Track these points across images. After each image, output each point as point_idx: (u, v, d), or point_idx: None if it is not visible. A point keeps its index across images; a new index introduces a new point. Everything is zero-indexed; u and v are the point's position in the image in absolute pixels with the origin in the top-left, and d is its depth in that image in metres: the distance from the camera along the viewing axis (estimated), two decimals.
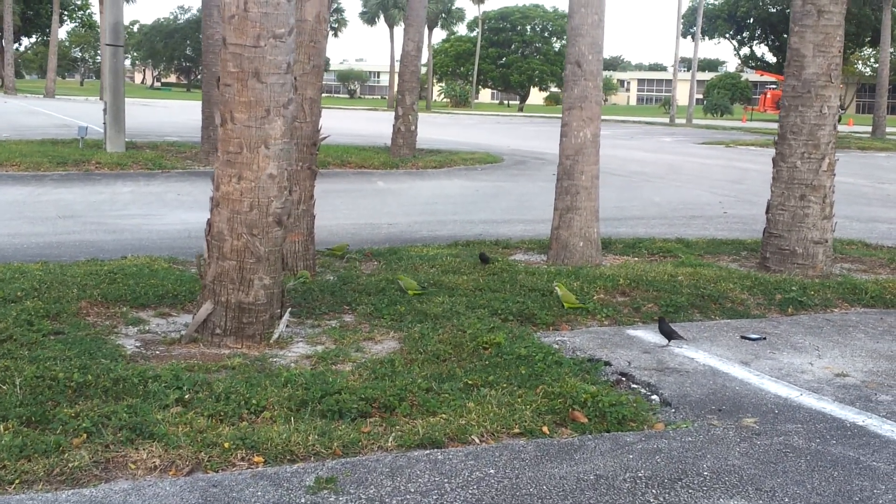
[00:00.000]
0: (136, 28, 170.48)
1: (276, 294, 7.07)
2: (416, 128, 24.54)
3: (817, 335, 7.89)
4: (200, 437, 5.02)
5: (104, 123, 22.77)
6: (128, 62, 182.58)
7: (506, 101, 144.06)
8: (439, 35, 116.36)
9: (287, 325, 7.46)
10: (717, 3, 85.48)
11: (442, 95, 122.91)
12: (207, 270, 6.97)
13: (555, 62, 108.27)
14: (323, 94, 10.24)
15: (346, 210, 16.37)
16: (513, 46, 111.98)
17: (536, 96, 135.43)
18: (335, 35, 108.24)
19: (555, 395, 5.83)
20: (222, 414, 5.37)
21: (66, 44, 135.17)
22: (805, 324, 8.29)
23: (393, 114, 25.19)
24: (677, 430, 5.55)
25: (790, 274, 10.11)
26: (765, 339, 7.71)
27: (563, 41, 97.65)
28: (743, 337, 7.74)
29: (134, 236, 12.73)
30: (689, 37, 75.71)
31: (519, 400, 5.77)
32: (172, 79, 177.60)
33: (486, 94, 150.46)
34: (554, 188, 10.94)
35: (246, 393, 5.62)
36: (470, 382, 6.06)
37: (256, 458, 4.92)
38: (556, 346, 7.21)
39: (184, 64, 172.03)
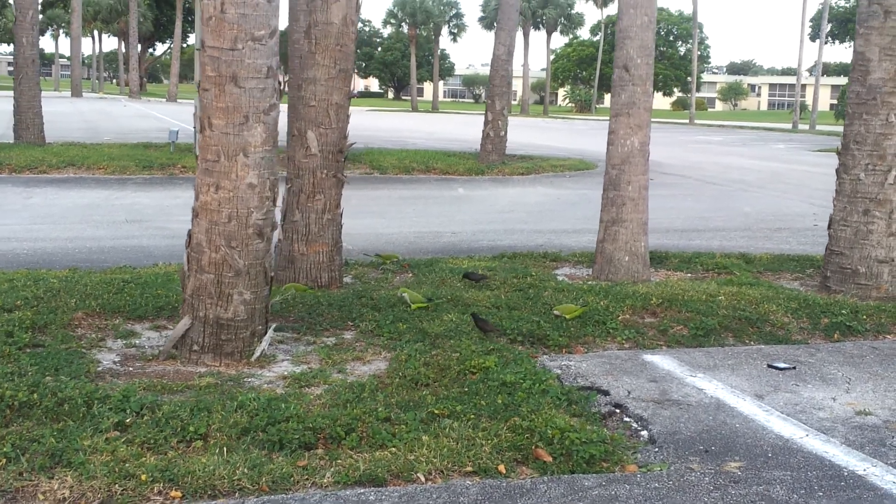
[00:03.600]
0: None
1: (259, 310, 6.75)
2: (505, 133, 24.07)
3: (855, 365, 7.20)
4: (119, 468, 4.70)
5: (194, 128, 22.91)
6: None
7: None
8: (558, 40, 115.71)
9: (281, 342, 7.17)
10: (848, 5, 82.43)
11: (566, 100, 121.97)
12: (187, 283, 6.69)
13: (679, 66, 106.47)
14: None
15: (416, 217, 16.06)
16: None
17: (663, 101, 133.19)
18: (454, 41, 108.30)
19: (522, 430, 5.35)
20: (153, 441, 5.05)
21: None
22: (846, 352, 7.59)
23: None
24: (648, 473, 5.02)
25: (850, 295, 9.36)
26: (794, 368, 7.07)
27: (689, 45, 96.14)
28: (770, 366, 7.10)
29: None
30: (817, 41, 73.34)
31: (482, 433, 5.31)
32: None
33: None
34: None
35: (188, 418, 5.30)
36: (437, 412, 5.62)
37: (174, 493, 4.58)
38: (559, 371, 6.73)
39: None
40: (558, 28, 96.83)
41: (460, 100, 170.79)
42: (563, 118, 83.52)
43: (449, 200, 18.80)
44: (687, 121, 73.04)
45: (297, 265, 9.19)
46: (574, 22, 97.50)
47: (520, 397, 5.88)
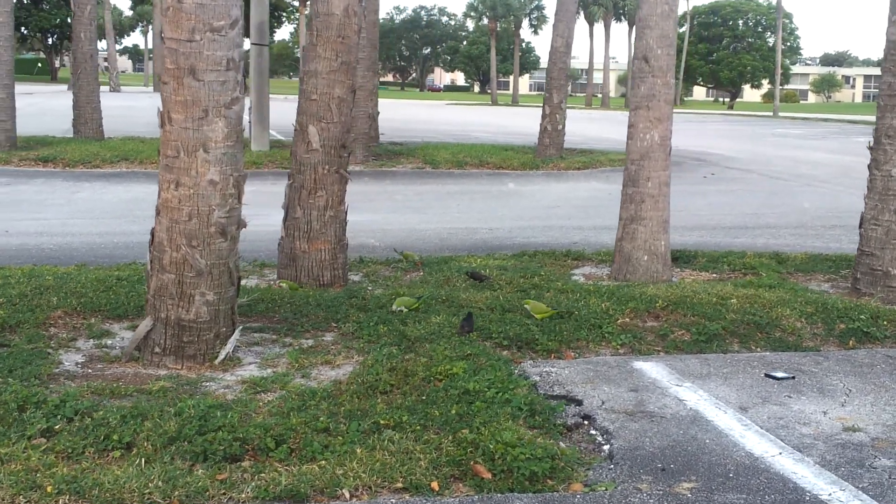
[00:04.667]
0: None
1: (223, 311, 6.52)
2: (563, 127, 23.59)
3: (861, 375, 6.72)
4: (27, 478, 4.50)
5: (249, 123, 22.92)
6: None
7: (720, 99, 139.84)
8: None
9: (257, 344, 6.97)
10: None
11: None
12: (150, 283, 6.51)
13: (768, 58, 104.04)
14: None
15: (457, 213, 15.77)
16: (724, 42, 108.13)
17: (753, 94, 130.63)
18: (535, 33, 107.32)
19: (467, 443, 5.04)
20: (71, 450, 4.85)
21: (290, 44, 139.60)
22: (856, 360, 7.10)
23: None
24: (590, 494, 4.67)
25: (878, 298, 8.82)
26: (793, 378, 6.62)
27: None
28: (767, 375, 6.67)
29: None
30: None
31: (422, 446, 5.01)
32: (389, 78, 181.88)
33: (701, 91, 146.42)
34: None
35: (116, 426, 5.09)
36: (382, 422, 5.34)
37: None
38: (537, 379, 6.40)
39: (399, 63, 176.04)
40: None
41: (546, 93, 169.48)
42: None
43: (496, 195, 18.46)
44: (771, 113, 71.45)
45: (299, 263, 8.97)
46: None
47: (477, 407, 5.56)
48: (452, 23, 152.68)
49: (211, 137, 6.20)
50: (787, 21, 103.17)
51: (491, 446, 4.95)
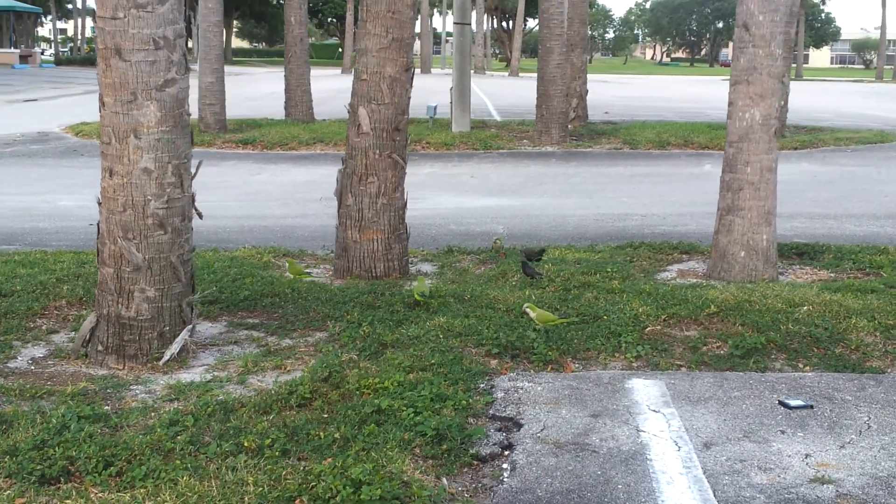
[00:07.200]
0: (647, 5, 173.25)
1: (168, 309, 6.09)
2: (785, 102, 21.73)
3: None
4: None
5: (450, 103, 22.58)
6: (640, 38, 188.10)
7: None
8: None
9: (235, 343, 6.59)
10: None
11: None
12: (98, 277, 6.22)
13: None
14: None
15: (625, 198, 14.76)
16: None
17: None
18: (822, 2, 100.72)
19: (313, 476, 4.36)
20: None
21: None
22: None
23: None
24: None
25: None
26: (811, 407, 5.48)
27: None
28: (780, 403, 5.55)
29: None
30: None
31: (257, 478, 4.37)
32: (680, 54, 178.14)
33: None
34: None
35: None
36: (246, 444, 4.75)
37: None
38: (500, 395, 5.62)
39: (690, 39, 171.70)
40: None
41: (849, 66, 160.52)
42: None
43: (682, 178, 17.19)
44: None
45: (351, 253, 8.48)
46: None
47: (369, 430, 4.88)
48: None
49: (142, 122, 5.79)
50: None
51: (329, 482, 4.27)
